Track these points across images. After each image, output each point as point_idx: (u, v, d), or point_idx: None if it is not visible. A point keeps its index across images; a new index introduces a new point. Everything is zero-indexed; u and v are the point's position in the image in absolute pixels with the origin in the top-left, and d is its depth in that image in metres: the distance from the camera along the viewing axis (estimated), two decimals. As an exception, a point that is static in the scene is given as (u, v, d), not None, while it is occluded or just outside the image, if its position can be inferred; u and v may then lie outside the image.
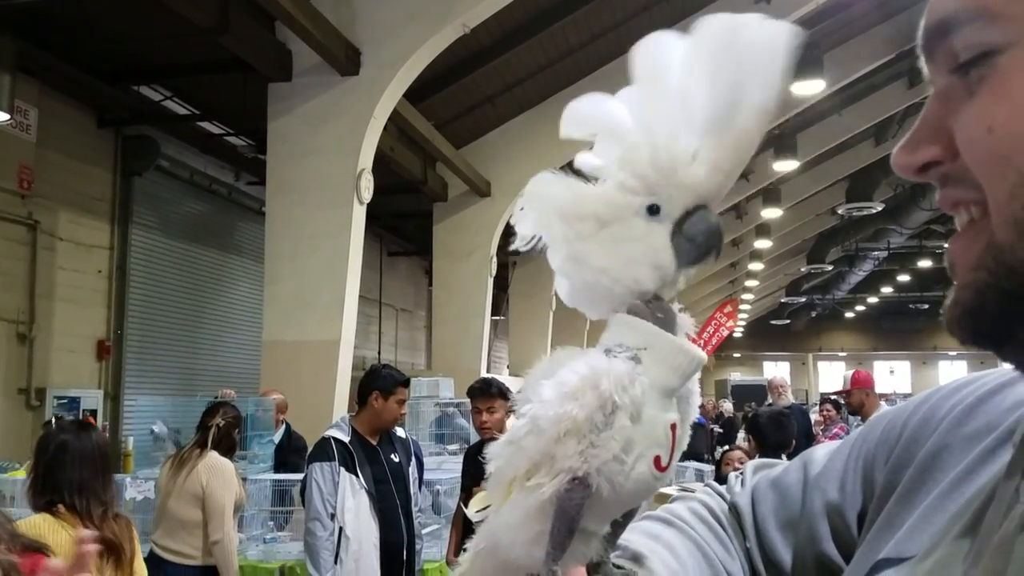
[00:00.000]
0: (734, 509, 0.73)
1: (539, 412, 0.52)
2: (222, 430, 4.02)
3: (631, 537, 0.67)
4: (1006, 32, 0.42)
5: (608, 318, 0.57)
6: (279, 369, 6.45)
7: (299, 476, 5.15)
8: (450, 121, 9.10)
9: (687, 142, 0.51)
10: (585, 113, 0.55)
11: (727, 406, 16.84)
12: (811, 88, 9.99)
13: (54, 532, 2.37)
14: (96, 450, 2.60)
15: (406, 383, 3.88)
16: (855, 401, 5.84)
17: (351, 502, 3.62)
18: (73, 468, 2.50)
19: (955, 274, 0.46)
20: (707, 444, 11.95)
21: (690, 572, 0.65)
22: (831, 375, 37.23)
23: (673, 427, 0.55)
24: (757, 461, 0.79)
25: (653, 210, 0.53)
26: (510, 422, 0.56)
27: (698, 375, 0.57)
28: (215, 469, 3.90)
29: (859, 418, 6.18)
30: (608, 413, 0.51)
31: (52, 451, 2.53)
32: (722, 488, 0.78)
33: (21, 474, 4.56)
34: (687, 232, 0.54)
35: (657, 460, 0.54)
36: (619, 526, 0.59)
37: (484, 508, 0.58)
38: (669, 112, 0.51)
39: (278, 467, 5.54)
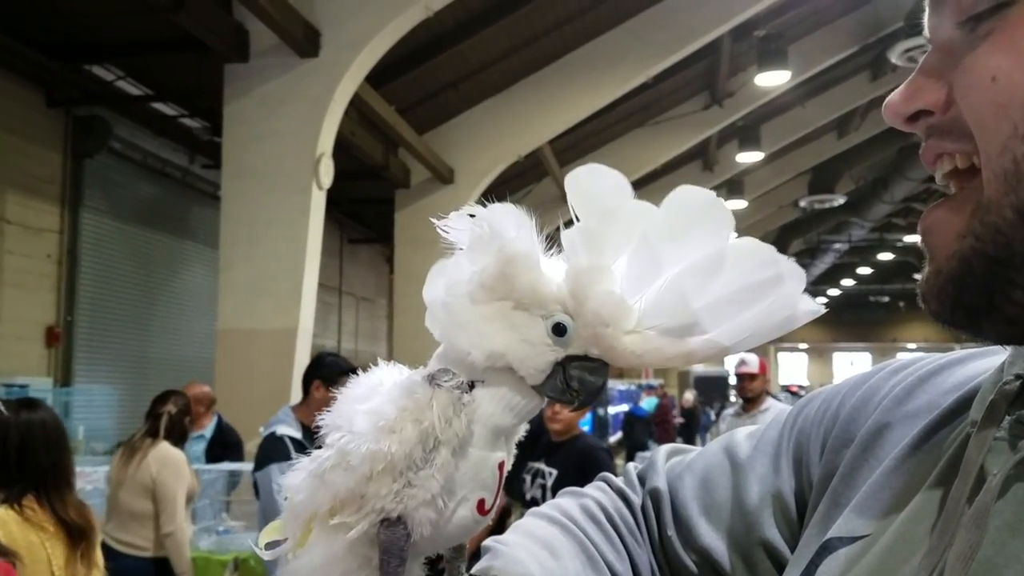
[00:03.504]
0: (654, 495, 0.71)
1: (350, 446, 0.47)
2: (173, 418, 3.95)
3: (511, 537, 0.63)
4: None
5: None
6: (234, 358, 6.31)
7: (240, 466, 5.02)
8: (413, 106, 8.97)
9: (637, 315, 0.47)
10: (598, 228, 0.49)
11: (688, 396, 16.97)
12: (777, 79, 10.04)
13: (23, 532, 2.23)
14: (58, 426, 2.46)
15: (352, 372, 3.62)
16: (757, 387, 4.85)
17: None
18: (46, 450, 2.34)
19: (932, 243, 0.46)
20: (650, 435, 12.02)
21: (569, 572, 0.62)
22: (793, 367, 37.83)
23: (501, 465, 0.51)
24: (669, 447, 0.77)
25: (560, 329, 0.47)
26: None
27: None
28: (166, 460, 3.83)
29: (744, 407, 5.01)
30: (429, 449, 0.47)
31: (16, 435, 2.32)
32: (620, 482, 0.74)
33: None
34: (571, 370, 0.49)
35: (481, 503, 0.50)
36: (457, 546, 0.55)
37: (276, 541, 0.52)
38: (644, 279, 0.47)
39: (211, 463, 5.17)
